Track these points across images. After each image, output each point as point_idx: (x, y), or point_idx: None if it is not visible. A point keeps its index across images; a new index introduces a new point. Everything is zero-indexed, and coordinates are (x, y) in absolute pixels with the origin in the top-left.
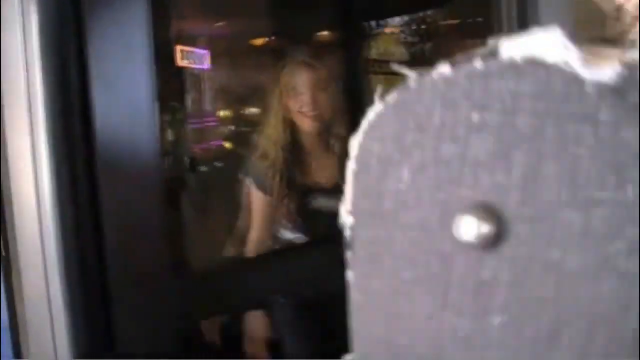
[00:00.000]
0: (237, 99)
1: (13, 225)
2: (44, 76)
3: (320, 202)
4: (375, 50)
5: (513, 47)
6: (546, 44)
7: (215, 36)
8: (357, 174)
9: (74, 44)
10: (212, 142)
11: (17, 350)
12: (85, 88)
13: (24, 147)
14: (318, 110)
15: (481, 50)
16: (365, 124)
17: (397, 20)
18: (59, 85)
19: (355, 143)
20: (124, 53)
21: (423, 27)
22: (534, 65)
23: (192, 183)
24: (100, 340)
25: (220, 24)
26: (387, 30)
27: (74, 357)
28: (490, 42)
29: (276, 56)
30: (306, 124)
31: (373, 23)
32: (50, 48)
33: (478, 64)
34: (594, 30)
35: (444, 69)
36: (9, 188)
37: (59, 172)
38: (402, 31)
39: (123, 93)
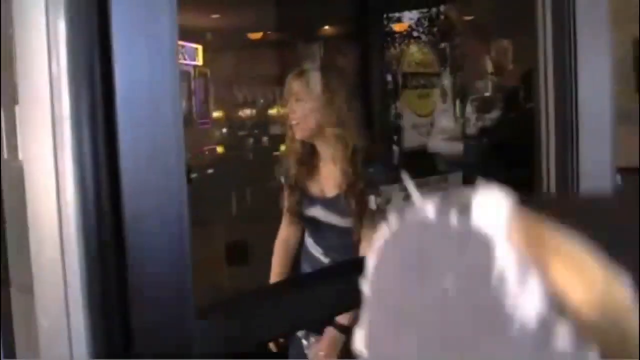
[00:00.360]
0: (237, 101)
1: (26, 221)
2: (70, 86)
3: (316, 211)
4: (395, 53)
5: (483, 212)
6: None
7: (209, 29)
8: (365, 311)
9: (99, 50)
10: (208, 147)
11: (8, 351)
12: (110, 98)
13: (45, 161)
14: (297, 120)
15: (460, 198)
16: (370, 258)
17: (410, 16)
18: (85, 93)
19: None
20: (150, 56)
21: (441, 24)
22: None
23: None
24: (117, 342)
25: (216, 15)
26: (400, 27)
27: (92, 358)
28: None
29: (286, 54)
30: (296, 133)
31: (387, 20)
32: (77, 57)
33: (453, 221)
34: (628, 24)
35: (421, 215)
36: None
37: (83, 184)
38: (416, 29)
39: (148, 99)
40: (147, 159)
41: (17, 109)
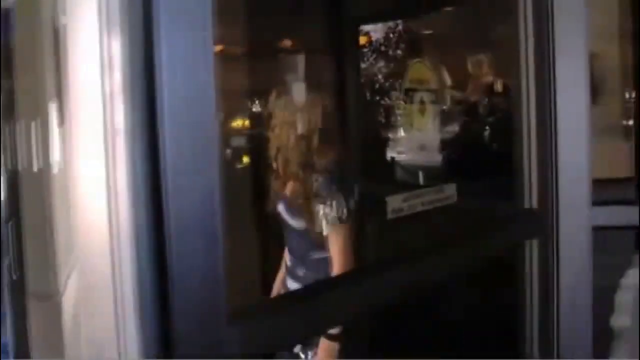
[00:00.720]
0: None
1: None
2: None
3: (280, 208)
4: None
5: None
6: None
7: None
8: None
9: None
10: None
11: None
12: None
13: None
14: None
15: None
16: None
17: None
18: (139, 108)
19: None
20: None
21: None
22: None
23: None
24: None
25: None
26: (364, 40)
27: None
28: None
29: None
30: None
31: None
32: (132, 75)
33: None
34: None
35: None
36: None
37: (136, 196)
38: (383, 43)
39: (188, 115)
40: (187, 175)
41: (53, 122)
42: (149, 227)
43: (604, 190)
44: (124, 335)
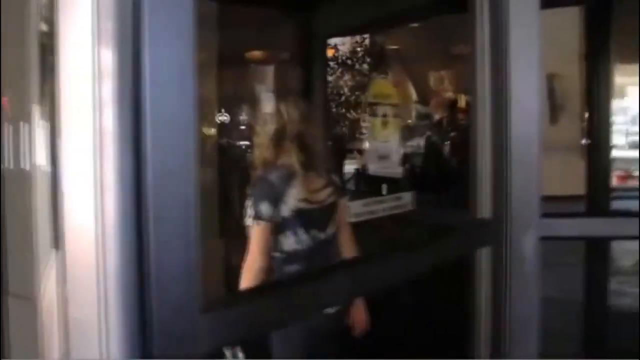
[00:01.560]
0: None
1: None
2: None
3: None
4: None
5: None
6: None
7: None
8: None
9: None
10: None
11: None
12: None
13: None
14: None
15: None
16: None
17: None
18: (128, 113)
19: None
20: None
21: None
22: None
23: None
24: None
25: None
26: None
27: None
28: None
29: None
30: None
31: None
32: (123, 83)
33: None
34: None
35: None
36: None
37: (124, 195)
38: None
39: (172, 121)
40: (168, 174)
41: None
42: (134, 225)
43: (560, 204)
44: (107, 329)
